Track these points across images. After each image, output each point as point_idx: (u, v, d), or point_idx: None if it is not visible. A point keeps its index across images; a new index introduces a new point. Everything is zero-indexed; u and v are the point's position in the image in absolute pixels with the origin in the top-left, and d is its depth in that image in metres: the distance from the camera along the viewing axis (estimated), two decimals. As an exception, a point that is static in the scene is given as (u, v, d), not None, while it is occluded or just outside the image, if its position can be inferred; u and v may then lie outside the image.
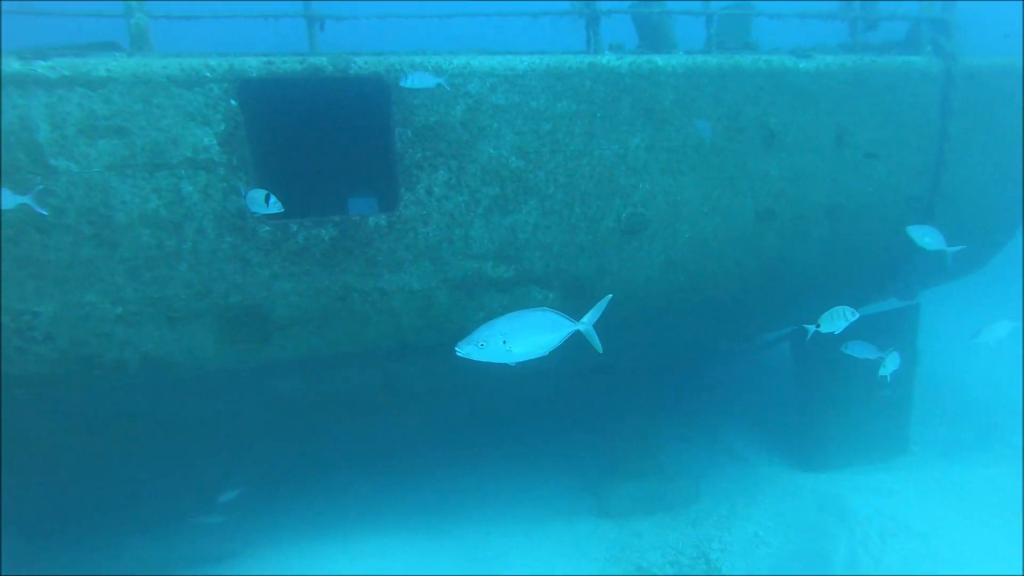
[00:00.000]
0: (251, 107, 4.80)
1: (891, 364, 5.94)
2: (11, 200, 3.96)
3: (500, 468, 7.90)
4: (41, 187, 4.23)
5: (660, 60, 5.36)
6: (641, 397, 7.31)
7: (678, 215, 5.54)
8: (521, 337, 3.23)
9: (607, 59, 5.25)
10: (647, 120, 5.35)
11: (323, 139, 7.94)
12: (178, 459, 6.13)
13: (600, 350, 3.54)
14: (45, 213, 4.19)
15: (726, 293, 6.05)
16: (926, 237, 5.25)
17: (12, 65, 4.20)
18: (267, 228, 4.79)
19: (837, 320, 4.96)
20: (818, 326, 4.99)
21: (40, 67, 4.23)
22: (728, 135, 5.58)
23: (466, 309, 5.33)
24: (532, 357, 3.33)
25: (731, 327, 6.95)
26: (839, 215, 6.13)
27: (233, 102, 4.53)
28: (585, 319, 3.47)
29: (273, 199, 4.31)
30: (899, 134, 6.20)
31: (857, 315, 5.00)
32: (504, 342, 3.20)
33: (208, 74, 4.45)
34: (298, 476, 7.16)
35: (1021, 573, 5.51)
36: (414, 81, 4.28)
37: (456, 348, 3.20)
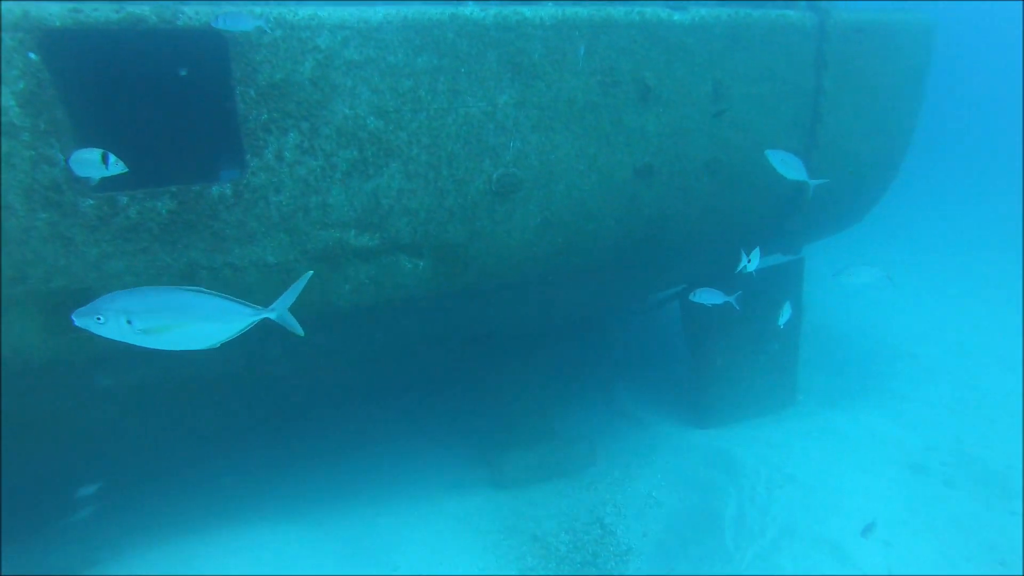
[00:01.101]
0: (61, 63, 4.20)
1: (785, 314, 6.25)
2: None
3: (391, 445, 7.60)
4: None
5: (527, 11, 5.04)
6: (533, 363, 7.15)
7: (553, 174, 5.30)
8: (154, 320, 2.69)
9: (470, 10, 4.89)
10: (516, 75, 5.04)
11: (184, 104, 7.25)
12: (22, 465, 5.52)
13: (301, 333, 3.19)
14: None
15: (608, 253, 5.90)
16: (784, 164, 5.25)
17: None
18: (91, 202, 4.24)
19: (756, 260, 5.36)
20: (748, 260, 5.29)
21: None
22: (602, 90, 5.35)
23: (330, 282, 4.95)
24: (192, 348, 2.80)
25: (617, 288, 6.84)
26: (718, 170, 6.05)
27: (33, 55, 3.93)
28: (276, 304, 3.10)
29: (113, 159, 3.75)
30: (775, 88, 6.15)
31: (760, 259, 5.48)
32: (129, 322, 2.67)
33: (-4, 23, 3.83)
34: (161, 473, 6.63)
35: (1021, 573, 5.69)
36: (227, 23, 3.78)
37: (72, 315, 2.71)
